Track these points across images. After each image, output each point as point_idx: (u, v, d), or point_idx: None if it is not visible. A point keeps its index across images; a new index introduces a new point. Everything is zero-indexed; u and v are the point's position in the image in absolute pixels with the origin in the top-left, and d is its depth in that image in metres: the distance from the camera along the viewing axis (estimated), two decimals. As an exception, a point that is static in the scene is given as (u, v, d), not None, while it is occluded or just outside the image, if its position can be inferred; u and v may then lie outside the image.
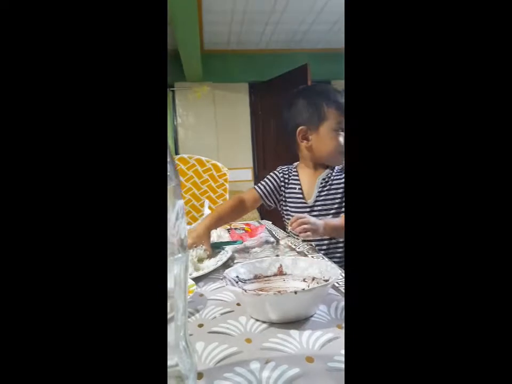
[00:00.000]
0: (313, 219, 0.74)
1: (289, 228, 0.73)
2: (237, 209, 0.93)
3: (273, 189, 0.95)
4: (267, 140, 3.78)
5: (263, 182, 0.98)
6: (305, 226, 0.71)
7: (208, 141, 3.73)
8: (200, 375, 0.32)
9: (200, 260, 0.74)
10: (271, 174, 0.98)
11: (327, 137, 0.84)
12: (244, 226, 1.12)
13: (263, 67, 3.79)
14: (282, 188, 0.95)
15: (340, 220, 0.82)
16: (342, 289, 0.52)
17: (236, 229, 1.09)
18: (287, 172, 0.97)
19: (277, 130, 3.67)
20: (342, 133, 0.84)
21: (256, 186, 0.97)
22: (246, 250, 0.84)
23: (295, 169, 0.96)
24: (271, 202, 0.97)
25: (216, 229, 0.89)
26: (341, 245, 0.89)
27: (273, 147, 3.69)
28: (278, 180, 0.96)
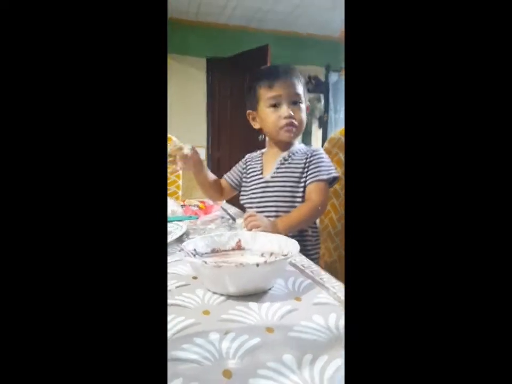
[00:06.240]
0: (262, 218, 0.74)
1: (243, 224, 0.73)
2: (217, 187, 0.96)
3: (240, 176, 0.98)
4: (223, 119, 3.70)
5: (231, 171, 1.01)
6: (254, 223, 0.71)
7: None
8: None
9: None
10: (239, 162, 1.01)
11: (265, 116, 0.87)
12: (198, 203, 1.09)
13: (223, 43, 3.66)
14: (244, 174, 0.98)
15: (292, 216, 0.79)
16: (299, 265, 0.53)
17: (190, 205, 1.06)
18: (250, 158, 1.00)
19: (232, 110, 3.61)
20: (277, 108, 0.85)
21: (225, 176, 1.00)
22: (201, 226, 0.82)
23: (260, 155, 0.98)
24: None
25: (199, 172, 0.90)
26: (308, 238, 0.88)
27: (228, 127, 3.63)
28: (241, 167, 0.99)
